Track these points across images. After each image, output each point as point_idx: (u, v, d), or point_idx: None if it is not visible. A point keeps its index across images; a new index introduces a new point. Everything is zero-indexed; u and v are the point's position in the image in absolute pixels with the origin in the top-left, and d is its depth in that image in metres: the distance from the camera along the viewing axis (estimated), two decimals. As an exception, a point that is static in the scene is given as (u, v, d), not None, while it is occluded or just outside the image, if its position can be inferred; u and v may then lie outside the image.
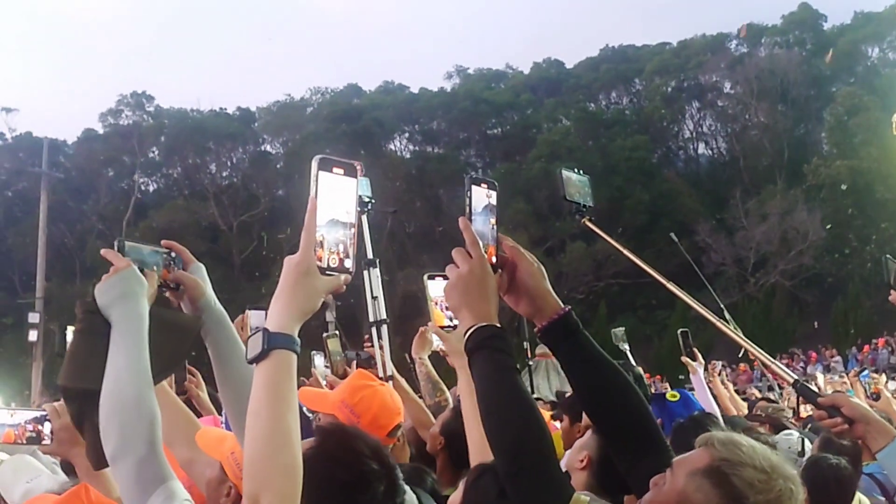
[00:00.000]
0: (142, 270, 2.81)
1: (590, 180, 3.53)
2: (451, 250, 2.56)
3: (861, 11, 72.27)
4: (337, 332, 7.53)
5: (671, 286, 3.53)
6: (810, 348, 45.63)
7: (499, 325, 2.50)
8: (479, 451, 3.76)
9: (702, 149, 78.38)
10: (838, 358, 42.32)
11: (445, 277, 4.14)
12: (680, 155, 79.22)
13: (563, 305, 2.60)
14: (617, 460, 2.63)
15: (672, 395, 5.48)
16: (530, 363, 11.19)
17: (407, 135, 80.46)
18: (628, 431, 2.58)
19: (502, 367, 2.46)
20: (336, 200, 2.28)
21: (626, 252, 3.49)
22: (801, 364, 42.83)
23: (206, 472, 3.35)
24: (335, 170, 2.28)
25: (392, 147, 79.08)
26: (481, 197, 2.63)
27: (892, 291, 3.57)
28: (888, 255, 3.69)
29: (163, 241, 3.01)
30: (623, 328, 10.13)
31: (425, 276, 4.01)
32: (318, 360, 7.48)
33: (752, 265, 58.47)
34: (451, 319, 3.98)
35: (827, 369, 37.69)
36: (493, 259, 2.59)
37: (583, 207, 3.44)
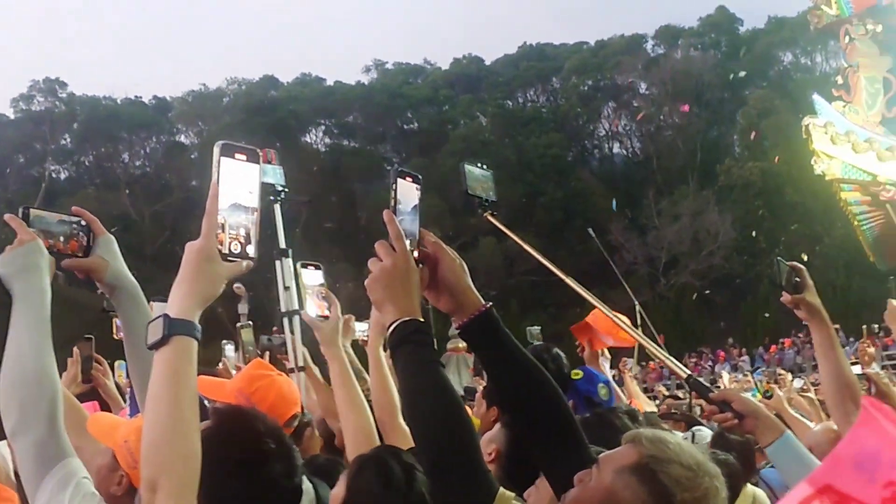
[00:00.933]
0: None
1: (493, 175, 3.51)
2: (374, 244, 2.54)
3: (775, 16, 73.66)
4: (250, 323, 7.51)
5: (570, 281, 3.54)
6: (719, 348, 46.38)
7: (422, 319, 2.47)
8: (354, 440, 3.79)
9: (616, 148, 79.24)
10: (746, 357, 43.10)
11: (317, 267, 4.17)
12: (595, 154, 79.91)
13: (483, 302, 2.57)
14: (535, 456, 2.63)
15: (575, 373, 5.55)
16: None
17: (323, 128, 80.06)
18: (547, 427, 2.56)
19: (427, 361, 2.44)
20: (238, 186, 2.28)
21: (528, 248, 3.48)
22: (710, 363, 43.56)
23: (95, 460, 3.29)
24: (237, 156, 2.28)
25: (308, 140, 78.64)
26: (407, 190, 2.60)
27: (783, 293, 3.62)
28: (779, 258, 3.73)
29: (73, 208, 2.96)
30: (539, 327, 10.16)
31: (298, 265, 4.03)
32: (229, 349, 7.45)
33: (664, 265, 59.20)
34: (327, 308, 4.01)
35: (734, 368, 38.40)
36: (416, 254, 2.56)
37: (485, 202, 3.43)
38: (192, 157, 73.75)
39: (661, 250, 58.70)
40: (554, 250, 60.43)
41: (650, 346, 3.41)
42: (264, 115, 72.37)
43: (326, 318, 4.05)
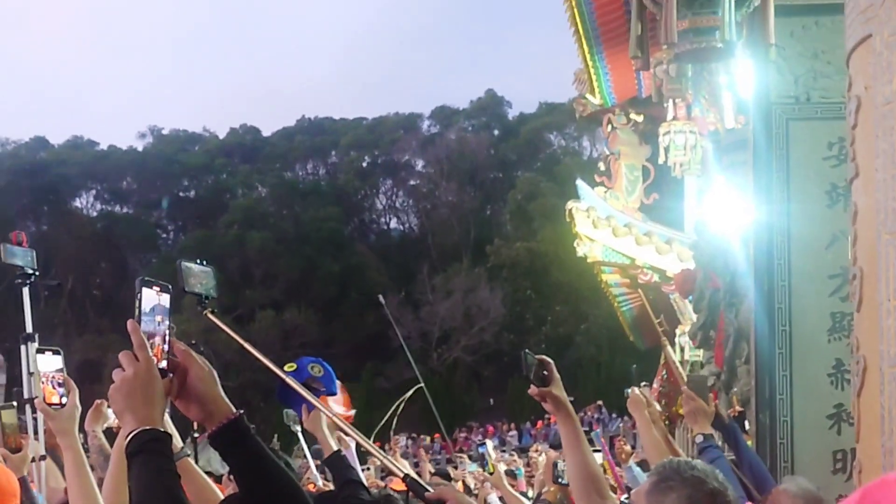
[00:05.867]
0: None
1: (214, 271, 3.44)
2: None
3: (545, 102, 76.19)
4: (14, 404, 7.16)
5: (281, 373, 3.57)
6: (488, 422, 47.07)
7: (162, 429, 2.46)
8: None
9: (393, 223, 79.92)
10: (514, 432, 43.88)
11: (56, 352, 4.06)
12: (372, 228, 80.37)
13: (234, 410, 2.57)
14: None
15: (290, 366, 5.49)
16: (195, 435, 11.01)
17: (94, 192, 77.69)
18: None
19: (161, 470, 2.40)
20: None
21: (247, 346, 3.47)
22: (479, 436, 44.18)
23: None
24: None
25: (77, 204, 76.20)
26: (153, 299, 2.62)
27: (531, 385, 3.70)
28: (527, 350, 3.77)
29: None
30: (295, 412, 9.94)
31: (34, 350, 3.91)
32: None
33: (436, 340, 59.78)
34: (61, 397, 3.90)
35: (503, 443, 39.20)
36: (164, 363, 2.57)
37: (205, 299, 3.39)
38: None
39: (434, 325, 59.23)
40: (330, 324, 60.32)
41: (369, 446, 3.43)
42: (32, 178, 69.88)
43: (62, 406, 3.89)
